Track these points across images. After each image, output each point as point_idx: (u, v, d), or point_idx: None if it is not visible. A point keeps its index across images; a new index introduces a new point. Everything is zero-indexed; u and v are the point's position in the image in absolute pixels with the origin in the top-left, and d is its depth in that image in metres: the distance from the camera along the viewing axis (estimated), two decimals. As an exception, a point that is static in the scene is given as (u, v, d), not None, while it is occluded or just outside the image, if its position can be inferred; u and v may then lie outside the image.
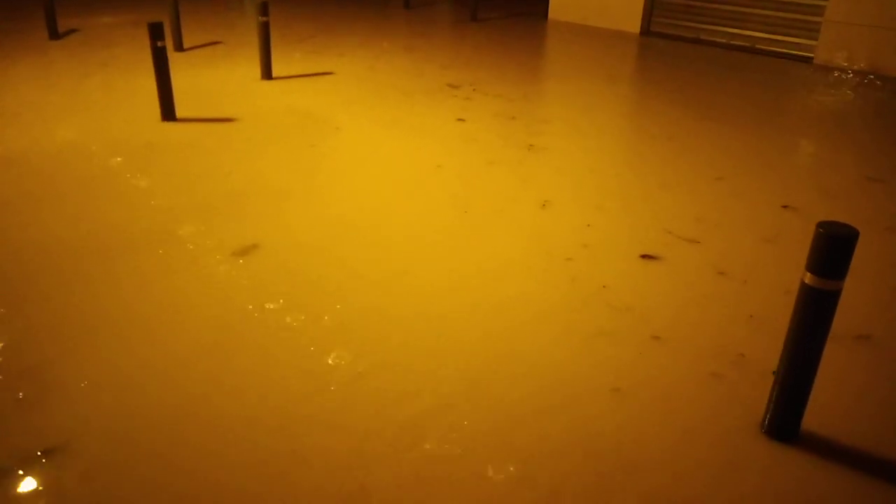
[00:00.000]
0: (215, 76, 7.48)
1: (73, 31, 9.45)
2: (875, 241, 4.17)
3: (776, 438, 2.57)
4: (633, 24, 11.33)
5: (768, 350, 3.05)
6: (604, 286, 3.58)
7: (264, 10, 7.12)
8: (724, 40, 10.52)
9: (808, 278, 2.35)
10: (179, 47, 8.50)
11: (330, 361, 2.90)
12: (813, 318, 2.39)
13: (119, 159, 5.06)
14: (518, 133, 6.07)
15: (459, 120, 6.30)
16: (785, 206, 4.66)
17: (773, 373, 2.59)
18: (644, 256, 3.92)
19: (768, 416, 2.59)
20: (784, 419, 2.56)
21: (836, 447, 2.55)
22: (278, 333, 3.08)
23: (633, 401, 2.76)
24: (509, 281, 3.62)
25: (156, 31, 5.63)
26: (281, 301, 3.33)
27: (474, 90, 7.33)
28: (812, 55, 9.53)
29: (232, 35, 9.64)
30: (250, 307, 3.27)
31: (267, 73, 7.38)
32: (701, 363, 3.00)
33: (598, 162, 5.47)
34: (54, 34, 8.92)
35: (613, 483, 2.36)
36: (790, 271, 3.74)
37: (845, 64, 9.17)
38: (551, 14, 12.41)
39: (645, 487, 2.34)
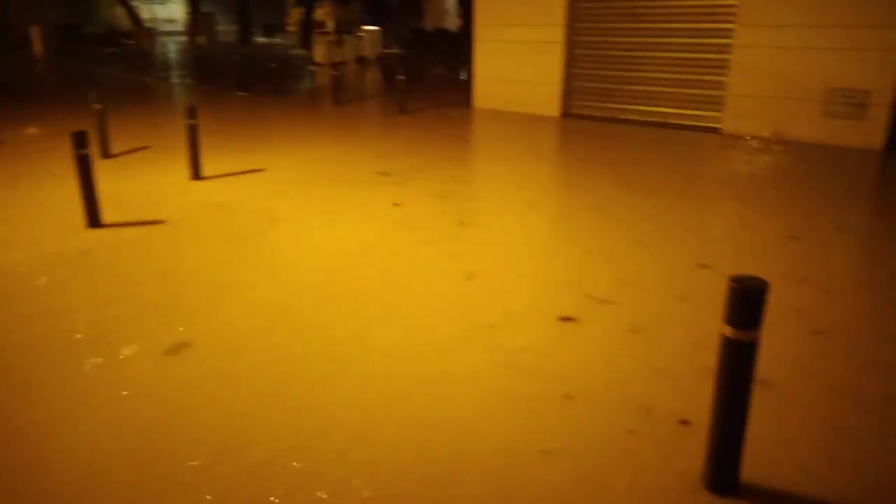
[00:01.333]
0: (143, 180, 7.44)
1: (-5, 144, 9.33)
2: (785, 291, 4.39)
3: (718, 492, 2.58)
4: (554, 108, 11.94)
5: (677, 402, 3.14)
6: (523, 349, 3.67)
7: (192, 113, 7.22)
8: (638, 118, 11.17)
9: (727, 331, 2.44)
10: (107, 154, 8.47)
11: (258, 452, 2.80)
12: (734, 368, 2.46)
13: (41, 267, 4.91)
14: (450, 212, 6.22)
15: (396, 204, 6.43)
16: (701, 265, 4.87)
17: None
18: (563, 319, 4.03)
19: (707, 471, 2.61)
20: (722, 472, 2.59)
21: (775, 494, 2.58)
22: (205, 432, 2.97)
23: (564, 461, 2.76)
24: (434, 352, 3.66)
25: (79, 140, 5.62)
26: (211, 401, 3.22)
27: (408, 176, 7.50)
28: (720, 126, 10.20)
29: (160, 139, 9.68)
30: (176, 409, 3.15)
31: (196, 174, 7.39)
32: (616, 420, 3.04)
33: (525, 234, 5.64)
34: (-25, 148, 8.78)
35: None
36: (700, 325, 3.89)
37: (750, 132, 9.84)
38: (476, 102, 12.98)
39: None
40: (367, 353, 3.66)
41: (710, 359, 3.47)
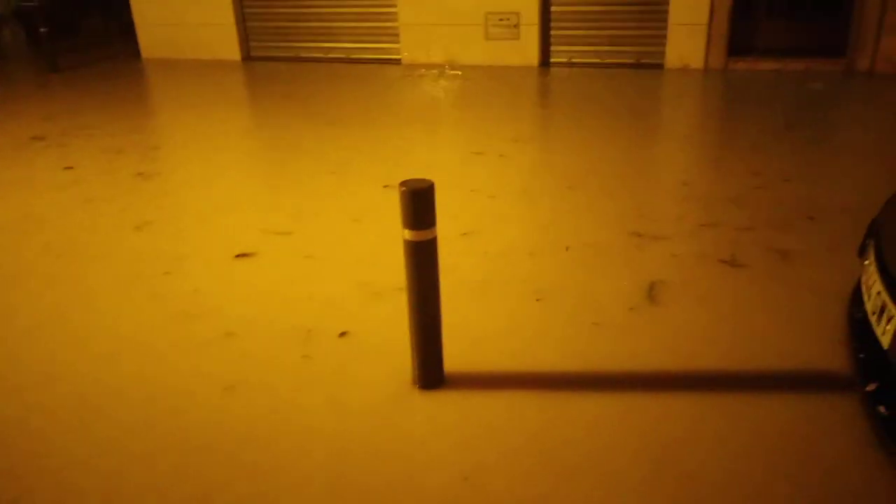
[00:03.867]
0: None
1: None
2: (467, 198, 4.75)
3: (430, 388, 2.70)
4: (233, 52, 11.29)
5: (341, 320, 3.21)
6: (195, 290, 3.54)
7: None
8: (321, 55, 11.07)
9: (407, 234, 2.50)
10: None
11: None
12: (419, 270, 2.54)
13: None
14: (127, 166, 5.69)
15: (67, 168, 5.68)
16: (386, 186, 5.02)
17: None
18: (239, 256, 3.96)
19: (416, 370, 2.71)
20: (429, 369, 2.70)
21: (474, 377, 2.79)
22: None
23: (250, 394, 2.69)
24: (104, 308, 3.40)
25: None
26: None
27: (71, 137, 6.62)
28: (399, 57, 10.57)
29: None
30: None
31: None
32: (285, 347, 3.03)
33: (209, 179, 5.35)
34: None
35: (270, 469, 2.22)
36: (369, 241, 4.07)
37: (426, 60, 10.35)
38: (144, 52, 11.72)
39: (318, 463, 2.25)
40: (35, 312, 3.13)
41: (370, 273, 3.63)
